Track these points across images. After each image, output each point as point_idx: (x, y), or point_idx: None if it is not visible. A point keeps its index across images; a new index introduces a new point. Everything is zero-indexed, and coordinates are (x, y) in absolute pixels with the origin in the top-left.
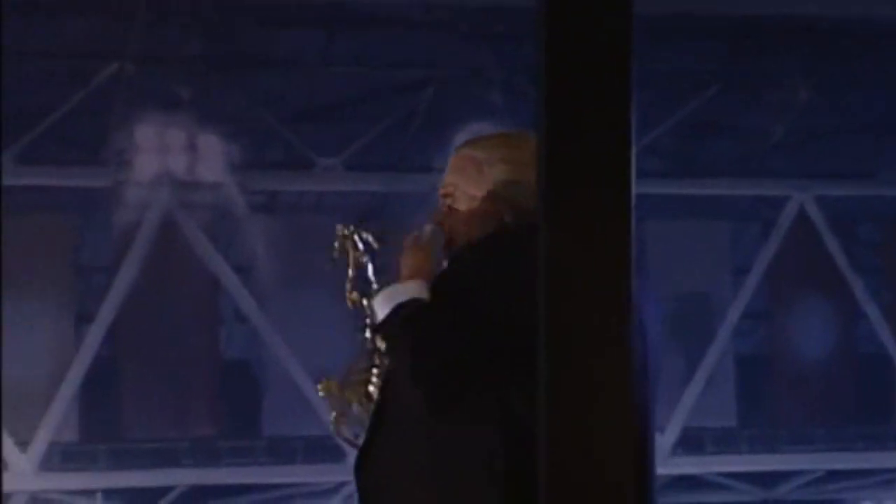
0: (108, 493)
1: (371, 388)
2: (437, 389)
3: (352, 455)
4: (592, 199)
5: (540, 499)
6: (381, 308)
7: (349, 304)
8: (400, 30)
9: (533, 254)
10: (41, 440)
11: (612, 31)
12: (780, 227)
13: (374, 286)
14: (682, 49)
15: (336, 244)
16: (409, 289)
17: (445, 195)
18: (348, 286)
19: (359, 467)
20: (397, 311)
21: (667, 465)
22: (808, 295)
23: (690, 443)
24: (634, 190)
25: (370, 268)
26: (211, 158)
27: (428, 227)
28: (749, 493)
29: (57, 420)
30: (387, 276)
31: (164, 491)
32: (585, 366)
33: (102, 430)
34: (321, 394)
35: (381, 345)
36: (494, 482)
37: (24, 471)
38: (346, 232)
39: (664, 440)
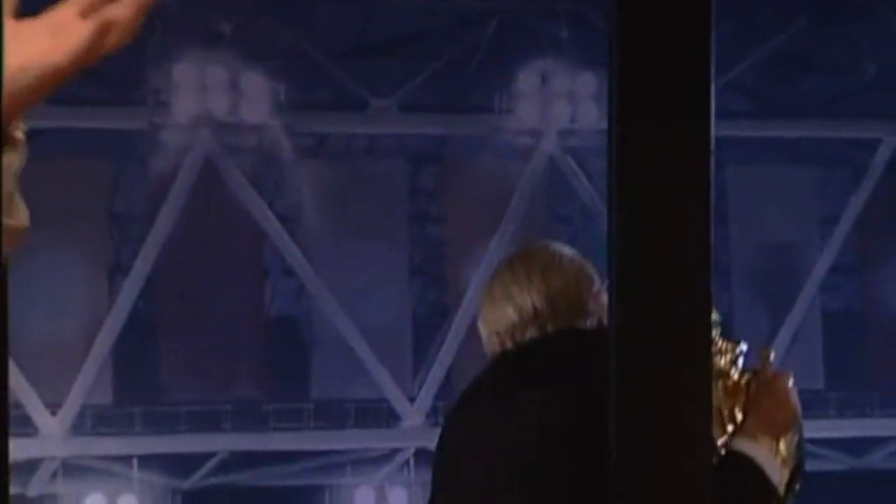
0: (144, 459)
1: None
2: None
3: (406, 419)
4: (667, 142)
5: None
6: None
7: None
8: None
9: None
10: (72, 403)
11: None
12: (872, 172)
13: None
14: None
15: None
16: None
17: None
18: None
19: None
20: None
21: None
22: None
23: None
24: (713, 132)
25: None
26: (255, 98)
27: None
28: (837, 460)
29: (89, 381)
30: None
31: (204, 457)
32: (661, 324)
33: (138, 391)
34: None
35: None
36: None
37: (54, 435)
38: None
39: None
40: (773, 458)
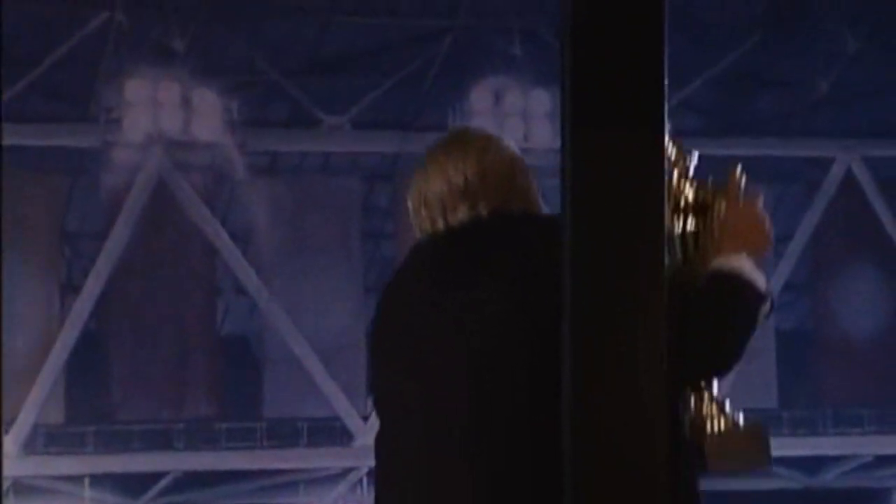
0: (96, 478)
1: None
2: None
3: (360, 437)
4: (621, 158)
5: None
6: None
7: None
8: None
9: None
10: (24, 421)
11: None
12: (826, 190)
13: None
14: None
15: None
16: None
17: None
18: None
19: None
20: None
21: None
22: (855, 264)
23: None
24: (668, 150)
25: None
26: (207, 116)
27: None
28: (791, 479)
29: (41, 399)
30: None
31: (156, 477)
32: (616, 335)
33: (90, 410)
34: None
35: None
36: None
37: (5, 454)
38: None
39: None
40: (756, 270)
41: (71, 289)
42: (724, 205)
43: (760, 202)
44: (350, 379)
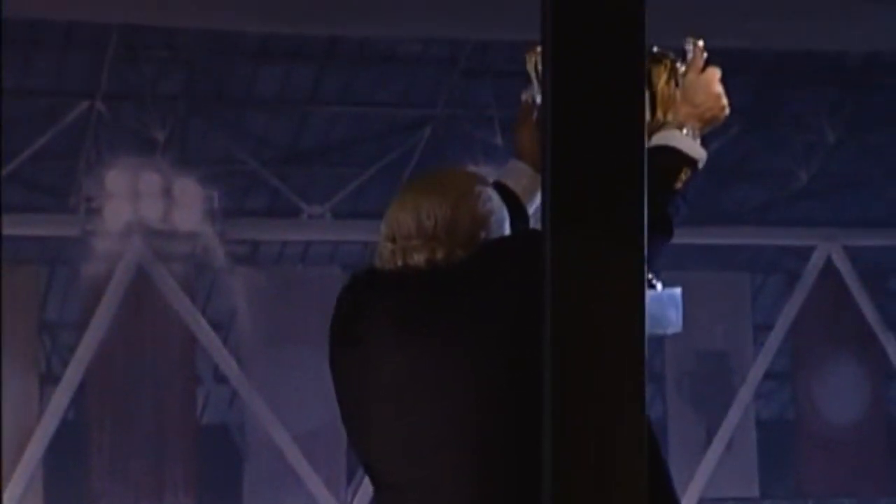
0: None
1: None
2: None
3: None
4: (601, 247)
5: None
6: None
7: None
8: (395, 66)
9: None
10: None
11: (623, 66)
12: (806, 279)
13: None
14: None
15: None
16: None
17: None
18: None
19: None
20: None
21: None
22: (836, 353)
23: None
24: (647, 239)
25: None
26: (188, 206)
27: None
28: None
29: (20, 490)
30: None
31: None
32: (595, 428)
33: (69, 500)
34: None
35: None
36: None
37: None
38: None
39: None
40: (690, 139)
41: (51, 379)
42: (662, 73)
43: (718, 75)
44: (330, 469)
